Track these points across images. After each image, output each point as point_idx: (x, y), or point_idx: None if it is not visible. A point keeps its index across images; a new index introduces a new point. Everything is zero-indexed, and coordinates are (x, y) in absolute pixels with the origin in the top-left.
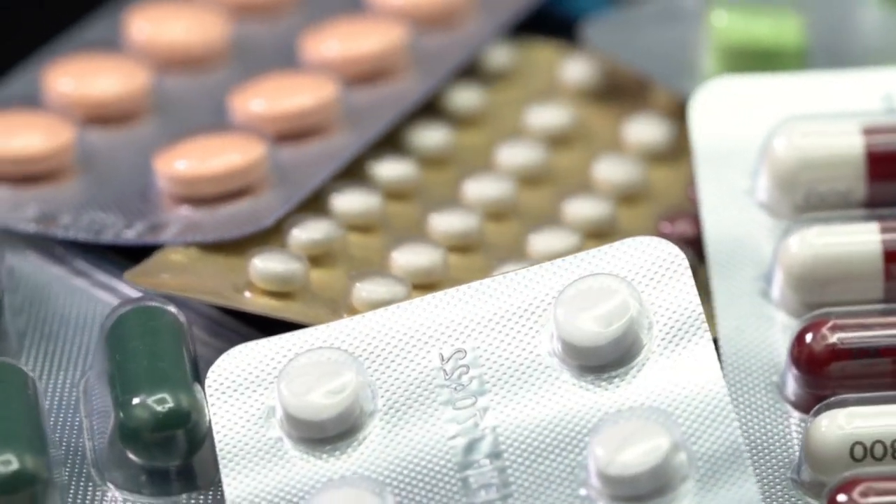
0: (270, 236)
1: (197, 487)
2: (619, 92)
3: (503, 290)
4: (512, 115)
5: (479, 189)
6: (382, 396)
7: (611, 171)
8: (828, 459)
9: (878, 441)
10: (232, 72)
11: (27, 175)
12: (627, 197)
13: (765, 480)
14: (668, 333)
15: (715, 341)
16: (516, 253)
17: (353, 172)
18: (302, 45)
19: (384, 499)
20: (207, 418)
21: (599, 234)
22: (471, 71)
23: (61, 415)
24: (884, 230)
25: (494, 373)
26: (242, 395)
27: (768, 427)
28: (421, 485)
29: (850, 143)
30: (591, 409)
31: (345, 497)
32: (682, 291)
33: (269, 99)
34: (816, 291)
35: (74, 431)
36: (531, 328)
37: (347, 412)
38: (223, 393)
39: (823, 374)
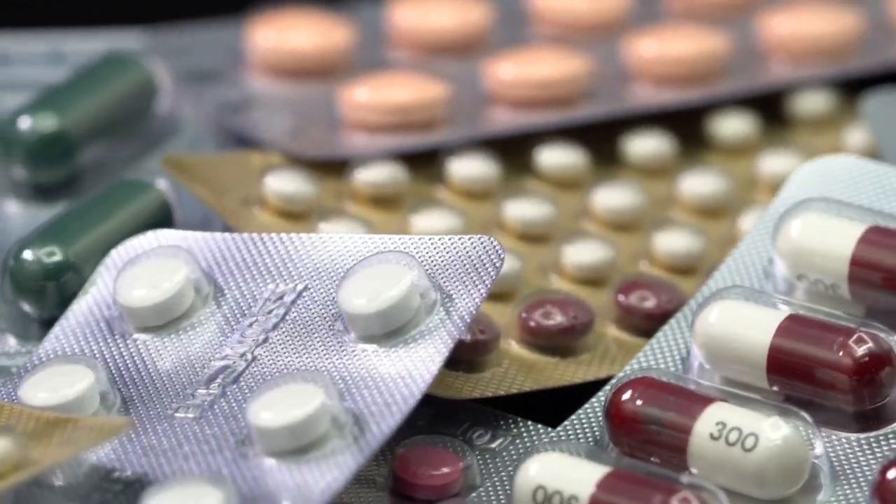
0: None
1: None
2: None
3: (341, 247)
4: (752, 157)
5: (600, 197)
6: (208, 307)
7: (747, 222)
8: (518, 497)
9: (557, 492)
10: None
11: (288, 69)
12: None
13: None
14: (438, 324)
15: (608, 378)
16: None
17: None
18: None
19: (97, 373)
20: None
21: (670, 267)
22: (769, 105)
23: None
24: (786, 321)
25: (296, 317)
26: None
27: None
28: (158, 383)
29: (844, 241)
30: (325, 372)
31: (58, 369)
32: (476, 291)
33: (517, 66)
34: (717, 366)
35: None
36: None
37: (161, 307)
38: (113, 265)
39: (621, 431)
